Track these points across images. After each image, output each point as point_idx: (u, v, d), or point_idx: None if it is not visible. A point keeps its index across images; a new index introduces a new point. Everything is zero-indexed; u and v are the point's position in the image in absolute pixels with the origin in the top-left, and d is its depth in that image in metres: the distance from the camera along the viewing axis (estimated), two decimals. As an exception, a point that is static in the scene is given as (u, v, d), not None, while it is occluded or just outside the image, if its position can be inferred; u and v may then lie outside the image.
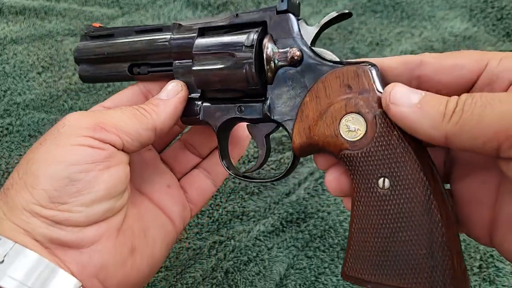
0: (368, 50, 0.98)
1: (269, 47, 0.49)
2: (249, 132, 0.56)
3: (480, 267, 0.75)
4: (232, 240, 0.77)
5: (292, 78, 0.49)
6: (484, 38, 0.98)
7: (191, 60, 0.53)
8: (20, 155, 0.82)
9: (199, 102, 0.55)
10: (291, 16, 0.50)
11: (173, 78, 0.56)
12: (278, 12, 0.50)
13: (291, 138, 0.49)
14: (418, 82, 0.44)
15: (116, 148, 0.49)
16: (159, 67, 0.57)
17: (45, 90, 0.89)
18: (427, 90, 0.41)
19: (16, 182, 0.46)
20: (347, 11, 0.50)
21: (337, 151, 0.45)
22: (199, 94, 0.55)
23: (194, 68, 0.52)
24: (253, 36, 0.49)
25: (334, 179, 0.48)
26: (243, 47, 0.49)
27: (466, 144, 0.36)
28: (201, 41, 0.53)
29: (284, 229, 0.78)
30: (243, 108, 0.52)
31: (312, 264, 0.75)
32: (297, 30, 0.49)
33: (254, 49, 0.48)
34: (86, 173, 0.46)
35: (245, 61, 0.49)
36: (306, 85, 0.48)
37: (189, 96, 0.56)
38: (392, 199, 0.41)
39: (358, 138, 0.44)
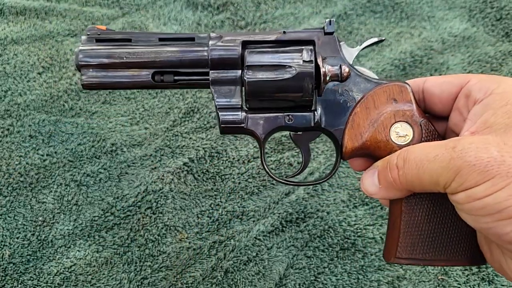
0: (368, 50, 0.98)
1: (324, 64, 0.54)
2: (293, 140, 0.60)
3: (479, 267, 0.75)
4: (232, 240, 0.77)
5: (341, 92, 0.56)
6: (483, 38, 0.98)
7: (235, 71, 0.56)
8: (21, 156, 0.82)
9: (242, 112, 0.56)
10: (337, 37, 0.57)
11: (203, 87, 0.58)
12: (326, 33, 0.56)
13: (342, 143, 0.55)
14: (422, 94, 0.56)
15: None
16: (189, 76, 0.57)
17: (46, 91, 0.89)
18: (428, 101, 0.55)
19: None
20: (383, 38, 0.59)
21: (387, 154, 0.53)
22: (239, 103, 0.56)
23: (248, 78, 0.54)
24: (310, 52, 0.54)
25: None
26: (302, 61, 0.54)
27: (421, 191, 0.48)
28: (255, 54, 0.55)
29: (284, 229, 0.78)
30: (292, 117, 0.56)
31: (312, 264, 0.76)
32: (341, 50, 0.57)
33: (314, 64, 0.54)
34: None
35: (306, 74, 0.53)
36: (355, 98, 0.55)
37: (229, 104, 0.57)
38: (440, 194, 0.47)
39: (407, 142, 0.53)
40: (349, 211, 0.80)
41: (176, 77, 0.57)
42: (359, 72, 0.56)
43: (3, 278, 0.73)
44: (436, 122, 0.55)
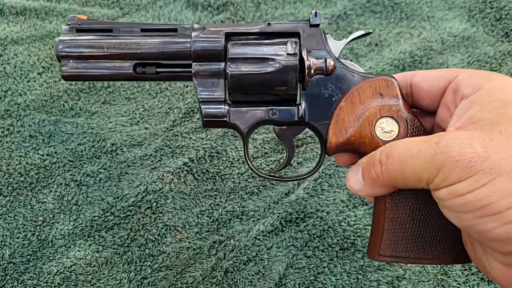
0: (367, 50, 0.98)
1: (309, 57, 0.53)
2: (277, 134, 0.59)
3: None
4: (231, 240, 0.77)
5: (325, 86, 0.55)
6: (483, 38, 0.99)
7: (219, 63, 0.55)
8: (21, 155, 0.82)
9: (225, 105, 0.55)
10: (322, 30, 0.56)
11: (186, 80, 0.57)
12: (311, 26, 0.55)
13: (326, 138, 0.55)
14: (410, 88, 0.55)
15: None
16: (171, 67, 0.57)
17: (46, 91, 0.89)
18: (415, 96, 0.54)
19: None
20: (370, 31, 0.58)
21: (372, 150, 0.52)
22: (223, 96, 0.56)
23: (231, 71, 0.53)
24: (295, 45, 0.53)
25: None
26: (286, 54, 0.53)
27: (404, 187, 0.47)
28: (238, 46, 0.54)
29: (284, 228, 0.78)
30: (276, 111, 0.55)
31: (311, 264, 0.76)
32: (327, 43, 0.56)
33: (298, 57, 0.53)
34: None
35: (290, 67, 0.52)
36: (339, 92, 0.55)
37: (212, 97, 0.56)
38: (424, 191, 0.47)
39: (392, 138, 0.52)
40: (349, 211, 0.80)
41: (158, 69, 0.56)
42: (344, 65, 0.55)
43: (3, 277, 0.73)
44: (423, 117, 0.54)
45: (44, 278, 0.73)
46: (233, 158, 0.84)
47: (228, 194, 0.81)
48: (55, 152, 0.83)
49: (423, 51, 0.97)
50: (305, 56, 0.53)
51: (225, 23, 0.54)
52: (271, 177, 0.60)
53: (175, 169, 0.83)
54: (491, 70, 0.94)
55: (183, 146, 0.85)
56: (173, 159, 0.84)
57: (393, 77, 0.54)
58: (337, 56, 0.55)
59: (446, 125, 0.49)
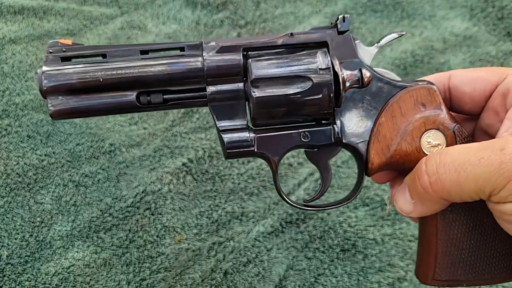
0: (368, 49, 0.97)
1: (342, 69, 0.47)
2: (309, 158, 0.53)
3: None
4: (231, 241, 0.77)
5: (361, 100, 0.49)
6: (484, 37, 0.98)
7: (237, 84, 0.48)
8: (19, 156, 0.82)
9: (249, 132, 0.48)
10: (352, 36, 0.50)
11: (199, 106, 0.50)
12: (340, 33, 0.49)
13: (367, 159, 0.49)
14: (448, 92, 0.50)
15: None
16: (180, 93, 0.49)
17: (44, 90, 0.89)
18: (456, 100, 0.49)
19: None
20: (404, 33, 0.52)
21: None
22: (245, 122, 0.49)
23: (256, 96, 0.46)
24: (327, 57, 0.47)
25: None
26: (318, 69, 0.46)
27: (458, 199, 0.42)
28: (260, 63, 0.47)
29: (284, 230, 0.78)
30: (308, 134, 0.49)
31: (312, 265, 0.75)
32: (358, 51, 0.49)
33: (331, 72, 0.46)
34: None
35: (324, 84, 0.46)
36: (378, 106, 0.49)
37: (233, 125, 0.49)
38: (480, 205, 0.43)
39: None
40: (350, 212, 0.79)
41: (165, 96, 0.48)
42: (380, 74, 0.49)
43: (0, 279, 0.73)
44: (462, 122, 0.50)
45: (42, 279, 0.73)
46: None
47: (228, 195, 0.81)
48: (53, 153, 0.83)
49: (424, 51, 0.96)
50: (338, 69, 0.46)
51: (239, 37, 0.47)
52: (309, 208, 0.54)
53: (174, 170, 0.82)
54: (493, 70, 0.93)
55: (182, 146, 0.85)
56: (172, 160, 0.83)
57: (433, 83, 0.49)
58: (369, 64, 0.50)
59: (493, 131, 0.46)
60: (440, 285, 0.48)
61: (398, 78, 0.50)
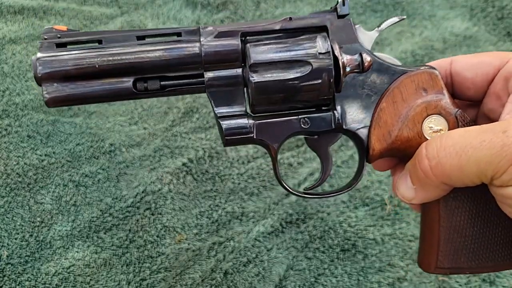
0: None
1: (342, 54, 0.46)
2: (309, 146, 0.52)
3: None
4: (231, 241, 0.77)
5: (362, 85, 0.48)
6: (484, 37, 0.98)
7: (236, 70, 0.47)
8: (19, 156, 0.82)
9: (247, 119, 0.48)
10: (351, 20, 0.49)
11: (197, 92, 0.49)
12: (339, 17, 0.48)
13: (368, 145, 0.48)
14: (450, 78, 0.49)
15: None
16: (178, 80, 0.48)
17: (44, 90, 0.89)
18: (458, 85, 0.48)
19: None
20: (404, 17, 0.52)
21: None
22: (244, 108, 0.48)
23: (254, 80, 0.45)
24: (327, 42, 0.46)
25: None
26: (317, 54, 0.45)
27: (460, 183, 0.42)
28: (259, 48, 0.46)
29: (284, 230, 0.78)
30: (308, 120, 0.48)
31: (312, 265, 0.75)
32: (358, 35, 0.49)
33: (331, 56, 0.45)
34: None
35: (324, 69, 0.45)
36: (378, 91, 0.48)
37: (231, 111, 0.48)
38: (483, 190, 0.42)
39: None
40: (350, 212, 0.79)
41: (162, 83, 0.48)
42: (380, 59, 0.49)
43: (0, 279, 0.73)
44: (464, 109, 0.49)
45: (42, 279, 0.73)
46: (233, 159, 0.84)
47: (228, 195, 0.81)
48: (53, 153, 0.83)
49: (424, 50, 0.96)
50: (338, 53, 0.45)
51: (237, 22, 0.46)
52: (308, 195, 0.53)
53: (174, 170, 0.82)
54: (493, 70, 0.93)
55: (182, 146, 0.85)
56: (172, 160, 0.83)
57: (434, 68, 0.48)
58: (369, 49, 0.49)
59: (495, 116, 0.45)
60: (443, 273, 0.47)
61: (399, 63, 0.50)
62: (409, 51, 0.96)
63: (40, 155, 0.82)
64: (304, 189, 0.55)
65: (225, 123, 0.47)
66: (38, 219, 0.77)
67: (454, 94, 0.50)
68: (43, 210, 0.78)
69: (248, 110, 0.49)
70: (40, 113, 0.86)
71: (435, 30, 0.99)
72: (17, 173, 0.80)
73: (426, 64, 0.50)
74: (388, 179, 0.82)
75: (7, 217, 0.77)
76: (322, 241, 0.77)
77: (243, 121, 0.48)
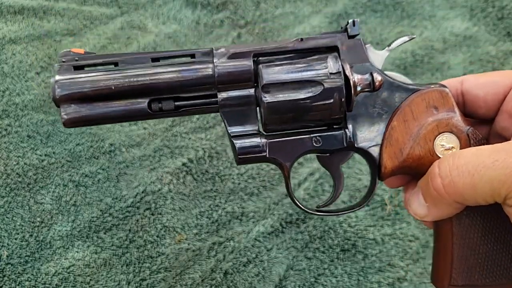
0: (368, 49, 0.97)
1: (353, 73, 0.47)
2: (321, 163, 0.53)
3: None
4: (231, 241, 0.76)
5: (373, 104, 0.49)
6: (484, 37, 0.98)
7: (248, 90, 0.48)
8: (19, 156, 0.82)
9: (260, 138, 0.49)
10: (362, 40, 0.50)
11: (211, 112, 0.50)
12: (350, 37, 0.50)
13: (380, 163, 0.49)
14: (462, 97, 0.50)
15: None
16: (192, 100, 0.49)
17: (44, 91, 0.89)
18: (469, 104, 0.49)
19: None
20: (414, 36, 0.54)
21: None
22: (256, 128, 0.49)
23: (267, 101, 0.47)
24: (338, 62, 0.47)
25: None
26: (329, 74, 0.46)
27: (473, 202, 0.42)
28: (271, 69, 0.47)
29: (284, 230, 0.78)
30: (320, 139, 0.49)
31: (312, 265, 0.75)
32: (369, 55, 0.50)
33: (342, 76, 0.47)
34: None
35: (335, 89, 0.46)
36: (389, 109, 0.49)
37: (244, 131, 0.49)
38: (496, 208, 0.43)
39: None
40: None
41: (177, 103, 0.49)
42: (391, 78, 0.50)
43: (0, 279, 0.73)
44: (476, 126, 0.49)
45: (42, 279, 0.73)
46: (233, 159, 0.84)
47: (228, 195, 0.81)
48: (53, 153, 0.83)
49: (424, 51, 0.96)
50: (348, 73, 0.46)
51: (250, 43, 0.47)
52: (321, 213, 0.54)
53: (174, 170, 0.82)
54: (493, 69, 0.93)
55: (182, 146, 0.85)
56: (172, 160, 0.83)
57: (445, 86, 0.49)
58: (380, 68, 0.50)
59: (508, 134, 0.46)
60: None
61: (410, 82, 0.50)
62: (409, 51, 0.96)
63: (40, 155, 0.82)
64: (316, 207, 0.56)
65: (238, 142, 0.48)
66: (38, 219, 0.77)
67: (466, 112, 0.50)
68: (43, 210, 0.78)
69: (261, 129, 0.50)
70: (40, 113, 0.86)
71: (435, 30, 0.99)
72: (17, 173, 0.80)
73: (437, 83, 0.51)
74: (388, 179, 0.82)
75: (7, 217, 0.77)
76: (322, 241, 0.77)
77: (256, 140, 0.49)
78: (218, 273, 0.74)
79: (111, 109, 0.48)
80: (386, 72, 0.50)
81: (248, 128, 0.49)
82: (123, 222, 0.78)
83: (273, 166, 0.83)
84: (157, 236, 0.77)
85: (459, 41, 0.97)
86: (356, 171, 0.83)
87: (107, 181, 0.81)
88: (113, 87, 0.47)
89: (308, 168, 0.83)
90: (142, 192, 0.80)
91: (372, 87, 0.47)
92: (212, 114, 0.89)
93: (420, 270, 0.75)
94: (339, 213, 0.55)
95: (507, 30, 0.98)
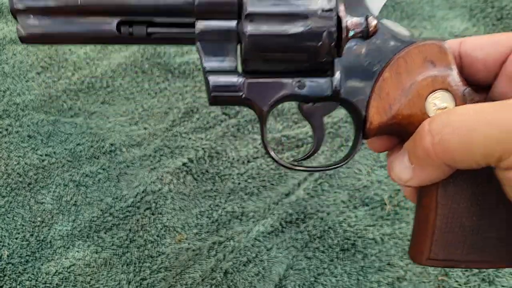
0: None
1: (347, 15, 0.42)
2: (302, 113, 0.48)
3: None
4: (231, 241, 0.77)
5: (365, 52, 0.44)
6: (484, 38, 0.98)
7: (231, 21, 0.43)
8: (19, 156, 0.82)
9: (238, 76, 0.44)
10: None
11: (186, 43, 0.45)
12: None
13: (366, 117, 0.45)
14: (459, 59, 0.45)
15: None
16: (167, 27, 0.44)
17: (45, 91, 0.89)
18: (467, 67, 0.45)
19: None
20: None
21: None
22: (235, 64, 0.44)
23: (248, 31, 0.42)
24: None
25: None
26: (320, 10, 0.41)
27: (463, 164, 0.38)
28: (257, 0, 0.42)
29: (284, 229, 0.78)
30: (303, 84, 0.44)
31: (312, 265, 0.75)
32: None
33: (335, 15, 0.42)
34: None
35: (325, 27, 0.41)
36: (382, 60, 0.44)
37: (221, 66, 0.44)
38: (486, 176, 0.40)
39: None
40: (349, 211, 0.80)
41: (149, 29, 0.44)
42: (387, 26, 0.45)
43: (1, 278, 0.73)
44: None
45: (43, 278, 0.73)
46: (233, 159, 0.84)
47: (228, 195, 0.81)
48: (54, 153, 0.83)
49: (424, 51, 0.96)
50: (342, 13, 0.42)
51: None
52: (295, 167, 0.49)
53: (174, 170, 0.82)
54: (493, 70, 0.93)
55: (183, 146, 0.85)
56: (172, 160, 0.83)
57: (444, 40, 0.45)
58: (376, 15, 0.45)
59: (506, 99, 0.41)
60: (436, 265, 0.44)
61: (407, 33, 0.46)
62: (409, 51, 0.96)
63: (41, 155, 0.82)
64: (292, 161, 0.51)
65: (213, 79, 0.44)
66: (39, 218, 0.78)
67: (464, 77, 0.46)
68: (44, 210, 0.78)
69: (240, 68, 0.45)
70: (40, 113, 0.87)
71: (435, 30, 0.99)
72: (17, 173, 0.80)
73: (436, 38, 0.47)
74: (388, 179, 0.82)
75: (7, 217, 0.77)
76: (321, 241, 0.77)
77: (233, 78, 0.44)
78: (218, 272, 0.74)
79: (74, 27, 0.43)
80: (383, 20, 0.46)
81: (226, 64, 0.44)
82: (124, 221, 0.78)
83: (273, 166, 0.84)
84: (158, 236, 0.77)
85: (458, 42, 0.98)
86: (356, 171, 0.83)
87: (108, 181, 0.81)
88: (78, 1, 0.42)
89: (309, 164, 0.83)
90: (143, 192, 0.80)
91: (366, 32, 0.43)
92: (212, 115, 0.89)
93: (419, 270, 0.75)
94: (317, 169, 0.50)
95: (506, 30, 0.98)
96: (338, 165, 0.49)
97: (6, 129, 0.84)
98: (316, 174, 0.83)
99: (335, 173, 0.83)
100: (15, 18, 0.43)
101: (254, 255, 0.76)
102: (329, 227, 0.78)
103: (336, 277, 0.74)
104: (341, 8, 0.42)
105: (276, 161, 0.48)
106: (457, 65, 0.45)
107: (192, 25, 0.44)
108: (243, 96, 0.44)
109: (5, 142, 0.83)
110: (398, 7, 1.03)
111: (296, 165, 0.49)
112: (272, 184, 0.82)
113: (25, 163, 0.81)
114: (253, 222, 0.79)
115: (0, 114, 0.86)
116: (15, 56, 0.92)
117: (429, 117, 0.43)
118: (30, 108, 0.87)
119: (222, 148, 0.85)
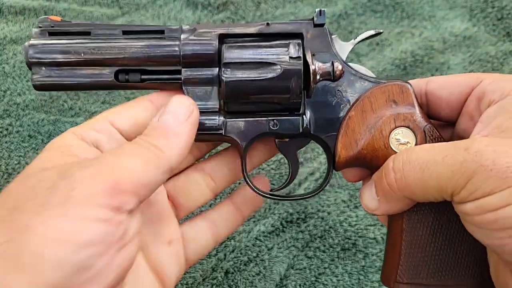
0: (368, 50, 0.98)
1: (314, 60, 0.48)
2: (279, 148, 0.53)
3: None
4: (232, 240, 0.77)
5: (333, 93, 0.50)
6: (484, 38, 0.98)
7: (212, 69, 0.50)
8: (20, 155, 0.82)
9: (219, 116, 0.50)
10: (328, 30, 0.51)
11: (174, 88, 0.51)
12: (316, 25, 0.51)
13: (334, 152, 0.49)
14: (425, 97, 0.50)
15: (131, 212, 0.40)
16: (158, 74, 0.51)
17: (45, 90, 0.89)
18: (432, 105, 0.49)
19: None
20: (381, 30, 0.54)
21: None
22: (217, 106, 0.50)
23: (226, 78, 0.48)
24: (299, 47, 0.48)
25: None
26: (289, 58, 0.48)
27: (422, 198, 0.42)
28: (234, 49, 0.49)
29: (284, 229, 0.78)
30: (277, 122, 0.50)
31: (312, 264, 0.75)
32: (334, 45, 0.51)
33: (302, 61, 0.47)
34: (98, 257, 0.36)
35: (293, 72, 0.47)
36: (349, 99, 0.49)
37: (204, 107, 0.50)
38: (446, 207, 0.42)
39: None
40: (350, 211, 0.80)
41: (143, 76, 0.51)
42: (353, 69, 0.50)
43: (2, 278, 0.73)
44: (440, 129, 0.49)
45: (43, 279, 0.73)
46: (234, 158, 0.84)
47: (228, 195, 0.81)
48: (55, 152, 0.83)
49: (424, 51, 0.96)
50: (309, 60, 0.47)
51: (218, 24, 0.48)
52: (274, 197, 0.55)
53: (175, 169, 0.82)
54: (493, 70, 0.93)
55: (183, 146, 0.85)
56: (173, 159, 0.83)
57: (407, 82, 0.49)
58: (344, 59, 0.51)
59: (468, 135, 0.45)
60: None
61: (372, 75, 0.51)
62: (409, 51, 0.96)
63: (41, 155, 0.82)
64: (270, 190, 0.57)
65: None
66: (39, 218, 0.77)
67: (429, 114, 0.50)
68: (44, 209, 0.78)
69: (221, 109, 0.51)
70: (41, 113, 0.87)
71: (435, 30, 1.00)
72: (18, 173, 0.80)
73: (400, 79, 0.51)
74: (388, 179, 0.82)
75: (8, 217, 0.77)
76: (322, 240, 0.77)
77: (215, 118, 0.50)
78: (219, 272, 0.74)
79: (79, 77, 0.51)
80: (349, 64, 0.50)
81: (209, 105, 0.50)
82: (124, 221, 0.78)
83: (273, 166, 0.84)
84: (158, 236, 0.77)
85: (458, 42, 0.98)
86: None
87: (108, 180, 0.81)
88: (82, 54, 0.50)
89: (308, 168, 0.83)
90: (143, 191, 0.80)
91: (332, 76, 0.48)
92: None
93: (420, 269, 0.75)
94: (292, 198, 0.57)
95: (507, 30, 0.98)
96: (311, 195, 0.54)
97: (7, 129, 0.84)
98: (317, 174, 0.83)
99: (335, 173, 0.83)
100: (30, 69, 0.51)
101: (255, 254, 0.76)
102: (330, 227, 0.78)
103: (337, 276, 0.74)
104: (308, 54, 0.48)
105: (258, 193, 0.53)
106: (423, 103, 0.49)
107: (179, 72, 0.50)
108: (223, 133, 0.50)
109: (6, 142, 0.83)
110: (398, 7, 1.03)
111: (275, 195, 0.55)
112: (273, 184, 0.82)
113: (26, 163, 0.81)
114: (254, 221, 0.79)
115: (0, 114, 0.86)
116: (16, 56, 0.92)
117: (393, 151, 0.47)
118: (31, 107, 0.87)
119: (222, 148, 0.85)
